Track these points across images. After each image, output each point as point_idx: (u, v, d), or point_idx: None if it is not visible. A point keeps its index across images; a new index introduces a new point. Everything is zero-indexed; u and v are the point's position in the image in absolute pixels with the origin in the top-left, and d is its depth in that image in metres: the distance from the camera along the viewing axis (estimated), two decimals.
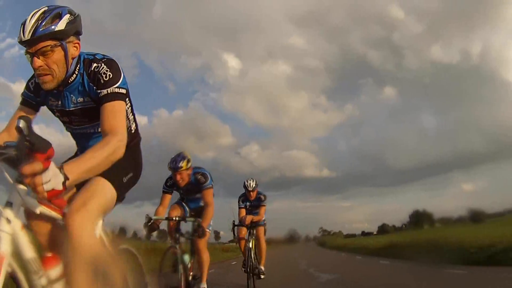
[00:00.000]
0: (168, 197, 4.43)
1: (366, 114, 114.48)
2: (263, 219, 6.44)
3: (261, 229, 6.39)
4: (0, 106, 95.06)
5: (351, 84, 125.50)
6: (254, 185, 6.22)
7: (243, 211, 6.28)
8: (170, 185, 4.38)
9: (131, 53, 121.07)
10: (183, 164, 4.07)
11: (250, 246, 5.94)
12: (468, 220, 24.59)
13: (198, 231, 4.33)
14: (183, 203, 4.60)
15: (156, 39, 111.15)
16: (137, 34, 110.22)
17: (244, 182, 6.27)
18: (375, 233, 72.06)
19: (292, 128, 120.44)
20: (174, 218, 4.21)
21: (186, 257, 4.51)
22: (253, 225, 6.04)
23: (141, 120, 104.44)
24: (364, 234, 77.76)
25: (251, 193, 6.20)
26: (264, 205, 6.33)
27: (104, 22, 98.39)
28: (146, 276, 2.53)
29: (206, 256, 4.58)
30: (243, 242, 6.11)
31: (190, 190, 4.36)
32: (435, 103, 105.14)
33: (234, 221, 6.05)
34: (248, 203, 6.35)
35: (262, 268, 6.15)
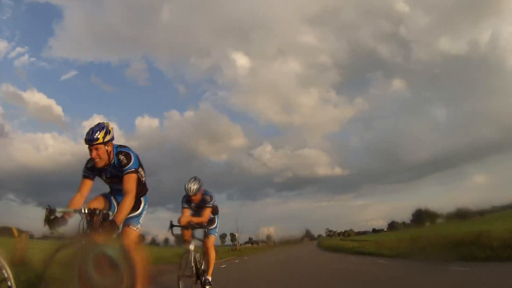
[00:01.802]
0: (87, 183, 3.52)
1: (377, 107, 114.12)
2: (214, 225, 6.08)
3: (210, 238, 5.91)
4: (13, 114, 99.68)
5: (360, 78, 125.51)
6: (195, 189, 5.38)
7: (186, 211, 5.67)
8: (91, 168, 3.51)
9: (141, 57, 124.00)
10: (100, 135, 3.31)
11: (190, 248, 5.23)
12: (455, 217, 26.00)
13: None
14: (111, 195, 3.83)
15: (165, 42, 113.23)
16: (147, 38, 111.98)
17: (185, 185, 5.45)
18: (385, 230, 72.93)
19: (304, 125, 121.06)
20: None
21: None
22: (194, 227, 5.44)
23: (152, 123, 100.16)
24: (374, 231, 78.74)
25: (193, 197, 5.45)
26: (209, 207, 5.66)
27: (115, 27, 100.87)
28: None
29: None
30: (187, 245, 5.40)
31: (114, 176, 3.57)
32: (446, 95, 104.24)
33: (171, 221, 5.43)
34: (193, 204, 5.69)
35: (209, 278, 5.65)
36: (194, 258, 5.35)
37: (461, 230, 15.15)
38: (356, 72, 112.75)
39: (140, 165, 3.68)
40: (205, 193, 5.67)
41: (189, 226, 5.37)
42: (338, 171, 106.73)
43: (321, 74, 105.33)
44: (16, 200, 56.72)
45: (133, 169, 3.46)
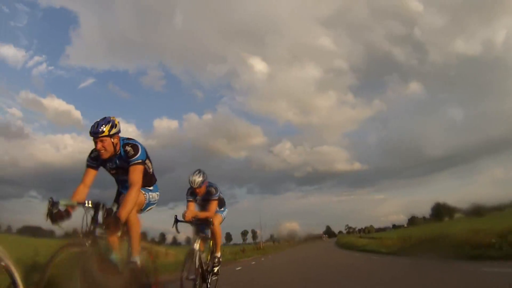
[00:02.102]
0: (91, 173, 3.47)
1: (394, 109, 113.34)
2: (223, 212, 5.84)
3: (216, 216, 5.52)
4: (33, 119, 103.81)
5: (376, 81, 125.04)
6: (199, 182, 5.13)
7: (191, 205, 5.40)
8: (95, 157, 3.48)
9: (157, 64, 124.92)
10: (105, 128, 3.32)
11: (196, 248, 4.83)
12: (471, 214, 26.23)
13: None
14: (118, 188, 3.84)
15: (180, 49, 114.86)
16: (161, 45, 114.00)
17: (189, 178, 5.20)
18: (405, 225, 72.14)
19: (322, 126, 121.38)
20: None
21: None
22: (200, 222, 5.14)
23: (171, 124, 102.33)
24: (394, 227, 77.86)
25: (197, 190, 5.19)
26: (215, 199, 5.39)
27: (129, 34, 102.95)
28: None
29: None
30: None
31: (119, 168, 3.53)
32: (462, 96, 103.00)
33: (176, 215, 5.11)
34: (198, 197, 5.42)
35: (218, 255, 5.52)
36: (200, 258, 4.88)
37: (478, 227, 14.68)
38: (373, 75, 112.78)
39: (147, 157, 3.61)
40: (209, 185, 5.38)
41: (195, 221, 5.05)
42: (357, 166, 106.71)
43: (338, 78, 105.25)
44: (37, 196, 57.85)
45: (139, 160, 3.38)
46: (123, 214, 3.07)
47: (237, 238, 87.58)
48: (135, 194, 3.24)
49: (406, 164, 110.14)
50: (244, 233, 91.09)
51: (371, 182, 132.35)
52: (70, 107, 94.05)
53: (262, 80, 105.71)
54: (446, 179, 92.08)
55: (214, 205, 5.39)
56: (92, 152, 3.47)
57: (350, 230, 79.09)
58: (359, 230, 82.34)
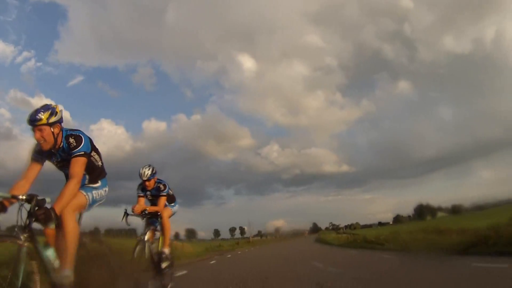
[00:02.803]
0: (35, 167, 3.15)
1: (383, 109, 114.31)
2: (173, 206, 6.03)
3: (166, 209, 5.73)
4: (21, 118, 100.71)
5: (365, 80, 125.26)
6: (149, 174, 5.36)
7: (141, 200, 5.58)
8: (40, 151, 3.14)
9: (147, 61, 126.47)
10: (43, 116, 2.96)
11: (145, 238, 5.03)
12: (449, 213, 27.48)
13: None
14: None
15: (171, 46, 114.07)
16: (152, 42, 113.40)
17: (139, 171, 5.43)
18: (391, 223, 72.89)
19: (310, 127, 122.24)
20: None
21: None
22: (149, 216, 5.31)
23: (160, 126, 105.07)
24: (380, 224, 78.68)
25: (147, 183, 5.40)
26: (163, 195, 5.58)
27: (120, 30, 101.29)
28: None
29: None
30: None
31: (64, 160, 3.21)
32: (451, 94, 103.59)
33: (126, 209, 5.27)
34: (148, 192, 5.62)
35: (166, 251, 5.47)
36: (150, 249, 5.09)
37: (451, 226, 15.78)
38: (362, 73, 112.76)
39: (94, 149, 3.37)
40: (158, 181, 5.61)
41: (144, 214, 5.22)
42: (345, 168, 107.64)
43: (327, 76, 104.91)
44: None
45: (81, 152, 3.11)
46: (58, 207, 2.80)
47: (225, 234, 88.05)
48: (74, 187, 3.00)
49: (396, 165, 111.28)
50: (232, 229, 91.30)
51: (359, 183, 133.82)
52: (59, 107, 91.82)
53: (251, 79, 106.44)
54: (436, 179, 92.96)
55: (162, 200, 5.59)
56: (36, 145, 3.14)
57: (334, 227, 79.41)
58: (346, 227, 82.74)
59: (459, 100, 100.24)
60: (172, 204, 6.02)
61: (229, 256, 21.09)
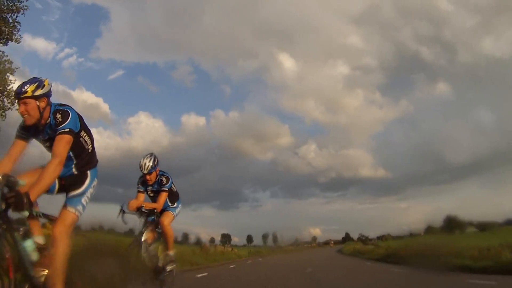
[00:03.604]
0: (19, 144, 2.93)
1: (421, 110, 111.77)
2: (175, 209, 5.44)
3: (168, 214, 5.27)
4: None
5: (404, 80, 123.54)
6: (149, 166, 4.85)
7: (141, 196, 5.10)
8: (26, 127, 2.92)
9: (186, 59, 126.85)
10: (29, 88, 2.75)
11: (142, 238, 4.67)
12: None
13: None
14: None
15: (209, 45, 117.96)
16: (190, 41, 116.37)
17: (139, 162, 4.92)
18: (422, 234, 72.33)
19: (349, 126, 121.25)
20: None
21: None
22: (148, 214, 4.89)
23: (199, 121, 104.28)
24: (411, 235, 78.02)
25: (147, 176, 4.90)
26: (164, 190, 5.07)
27: (158, 30, 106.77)
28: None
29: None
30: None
31: (51, 139, 2.88)
32: (491, 97, 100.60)
33: (122, 205, 4.84)
34: (149, 187, 5.13)
35: (171, 253, 5.18)
36: (147, 251, 4.70)
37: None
38: (401, 74, 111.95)
39: (84, 129, 3.03)
40: (161, 173, 5.10)
41: (140, 211, 4.78)
42: (381, 172, 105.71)
43: (366, 76, 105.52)
44: None
45: (67, 129, 2.80)
46: (33, 191, 2.51)
47: (258, 240, 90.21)
48: (54, 169, 2.65)
49: (432, 170, 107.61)
50: (265, 236, 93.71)
51: (395, 190, 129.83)
52: (99, 100, 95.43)
53: (290, 77, 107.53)
54: (471, 186, 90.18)
55: (163, 196, 5.03)
56: (23, 120, 2.90)
57: (363, 238, 79.72)
58: (378, 238, 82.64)
59: (498, 103, 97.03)
60: (174, 206, 5.42)
61: (260, 259, 30.38)
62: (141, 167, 4.90)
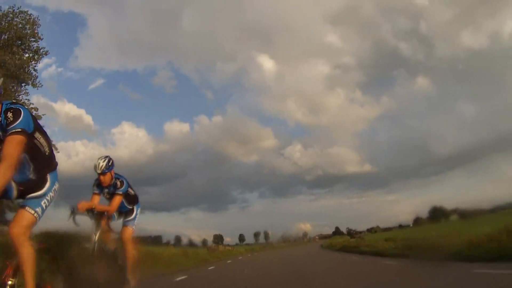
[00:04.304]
0: None
1: (402, 105, 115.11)
2: (132, 216, 5.39)
3: (126, 230, 5.24)
4: (44, 124, 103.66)
5: (384, 77, 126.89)
6: (103, 166, 4.75)
7: (96, 198, 4.97)
8: None
9: (166, 63, 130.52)
10: None
11: (95, 238, 4.51)
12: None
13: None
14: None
15: (189, 48, 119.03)
16: (170, 45, 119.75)
17: (94, 163, 4.86)
18: (411, 225, 74.96)
19: (332, 125, 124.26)
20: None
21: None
22: (97, 215, 4.67)
23: (183, 127, 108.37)
24: (401, 227, 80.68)
25: (101, 177, 4.80)
26: (119, 194, 4.93)
27: (138, 34, 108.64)
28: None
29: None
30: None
31: (2, 141, 2.53)
32: (471, 90, 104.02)
33: (73, 207, 4.63)
34: (105, 190, 5.02)
35: (129, 278, 5.02)
36: (103, 249, 4.64)
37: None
38: (380, 71, 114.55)
39: (38, 130, 2.76)
40: (116, 177, 4.97)
41: (91, 213, 4.60)
42: (367, 167, 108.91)
43: (346, 75, 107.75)
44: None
45: (18, 129, 2.48)
46: None
47: (249, 239, 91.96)
48: (4, 172, 2.37)
49: (418, 163, 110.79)
50: (256, 234, 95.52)
51: (382, 184, 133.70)
52: (81, 111, 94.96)
53: (271, 78, 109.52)
54: (458, 177, 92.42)
55: (117, 199, 4.90)
56: None
57: (351, 232, 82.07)
58: (368, 230, 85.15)
59: (479, 95, 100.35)
60: (131, 217, 5.39)
61: (249, 255, 37.14)
62: (95, 167, 4.82)
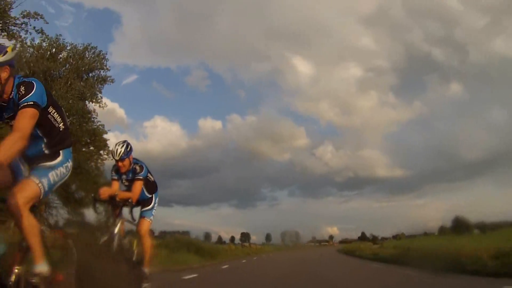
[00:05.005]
0: None
1: (435, 110, 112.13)
2: (149, 206, 5.15)
3: (144, 222, 5.00)
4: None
5: (417, 81, 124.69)
6: (121, 153, 4.58)
7: (115, 185, 4.78)
8: None
9: (199, 63, 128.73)
10: None
11: (115, 230, 4.35)
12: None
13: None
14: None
15: (222, 48, 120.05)
16: (203, 44, 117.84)
17: (112, 149, 4.78)
18: (436, 233, 73.76)
19: (364, 127, 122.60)
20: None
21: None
22: (122, 204, 4.53)
23: (216, 124, 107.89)
24: (425, 234, 79.56)
25: (120, 163, 4.64)
26: (139, 179, 4.76)
27: (170, 34, 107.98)
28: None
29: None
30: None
31: (14, 117, 2.47)
32: (504, 96, 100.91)
33: (93, 194, 4.58)
34: (123, 176, 4.84)
35: (146, 271, 4.85)
36: (120, 244, 4.44)
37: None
38: (413, 75, 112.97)
39: (53, 105, 2.65)
40: (135, 162, 4.87)
41: (112, 201, 4.46)
42: (397, 172, 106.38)
43: (379, 77, 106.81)
44: None
45: (31, 102, 2.39)
46: None
47: (276, 239, 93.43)
48: (13, 143, 2.24)
49: (447, 168, 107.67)
50: (283, 234, 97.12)
51: (411, 188, 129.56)
52: (115, 105, 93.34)
53: (304, 80, 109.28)
54: (486, 184, 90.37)
55: (138, 185, 4.75)
56: None
57: (373, 237, 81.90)
58: (393, 237, 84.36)
59: (511, 102, 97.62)
60: (149, 207, 5.16)
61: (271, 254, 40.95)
62: (113, 153, 4.68)
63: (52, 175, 2.63)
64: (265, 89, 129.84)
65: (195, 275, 10.39)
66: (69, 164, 2.81)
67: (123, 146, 4.64)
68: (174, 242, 20.00)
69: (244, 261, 22.76)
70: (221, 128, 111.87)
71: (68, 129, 2.83)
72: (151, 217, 5.15)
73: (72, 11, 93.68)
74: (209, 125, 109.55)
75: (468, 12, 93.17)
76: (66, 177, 2.79)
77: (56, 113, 2.68)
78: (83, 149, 16.70)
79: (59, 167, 2.71)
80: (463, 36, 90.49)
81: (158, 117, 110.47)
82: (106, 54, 18.19)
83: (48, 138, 2.67)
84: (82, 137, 16.66)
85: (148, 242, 4.95)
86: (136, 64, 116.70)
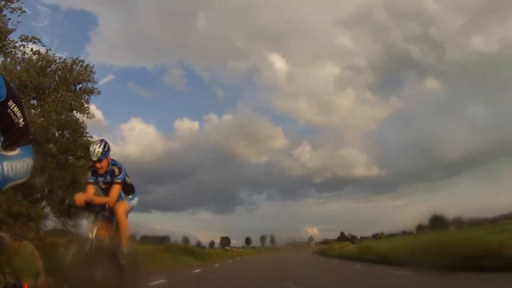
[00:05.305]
0: None
1: (413, 106, 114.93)
2: (130, 200, 4.87)
3: (122, 202, 4.67)
4: None
5: (394, 78, 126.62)
6: (99, 153, 4.31)
7: (91, 188, 4.52)
8: None
9: (176, 62, 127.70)
10: None
11: (92, 235, 4.14)
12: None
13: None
14: None
15: (201, 47, 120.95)
16: (182, 43, 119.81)
17: (89, 148, 4.50)
18: (414, 232, 77.62)
19: (342, 125, 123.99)
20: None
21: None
22: (99, 209, 4.36)
23: (192, 125, 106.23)
24: (404, 233, 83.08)
25: (97, 164, 4.36)
26: (117, 182, 4.48)
27: (149, 33, 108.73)
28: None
29: (124, 223, 4.55)
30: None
31: None
32: (483, 93, 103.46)
33: (68, 201, 4.40)
34: (100, 178, 4.56)
35: (124, 250, 4.51)
36: (102, 247, 4.25)
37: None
38: (391, 72, 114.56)
39: (13, 98, 2.32)
40: (113, 163, 4.57)
41: (88, 206, 4.25)
42: (376, 171, 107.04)
43: (357, 76, 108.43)
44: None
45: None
46: None
47: (256, 242, 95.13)
48: None
49: (426, 167, 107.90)
50: (263, 238, 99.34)
51: (390, 188, 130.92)
52: (91, 106, 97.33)
53: (282, 78, 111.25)
54: (466, 182, 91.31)
55: (116, 189, 4.47)
56: None
57: (351, 237, 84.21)
58: (373, 236, 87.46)
59: (490, 98, 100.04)
60: (130, 196, 4.92)
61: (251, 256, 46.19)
62: (90, 153, 4.39)
63: (8, 166, 2.23)
64: (243, 87, 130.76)
65: (199, 270, 15.34)
66: (29, 160, 2.43)
67: (100, 145, 4.39)
68: (175, 248, 26.22)
69: (230, 261, 29.65)
70: (198, 129, 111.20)
71: (28, 125, 2.50)
72: (130, 203, 4.88)
73: (48, 12, 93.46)
74: (186, 126, 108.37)
75: (445, 12, 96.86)
76: (25, 178, 2.42)
77: (16, 107, 2.33)
78: (79, 164, 16.93)
79: (16, 160, 2.32)
80: (440, 35, 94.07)
81: (135, 119, 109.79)
82: (94, 67, 18.53)
83: (5, 136, 2.33)
84: (77, 151, 16.92)
85: (124, 222, 4.63)
86: (112, 64, 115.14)
